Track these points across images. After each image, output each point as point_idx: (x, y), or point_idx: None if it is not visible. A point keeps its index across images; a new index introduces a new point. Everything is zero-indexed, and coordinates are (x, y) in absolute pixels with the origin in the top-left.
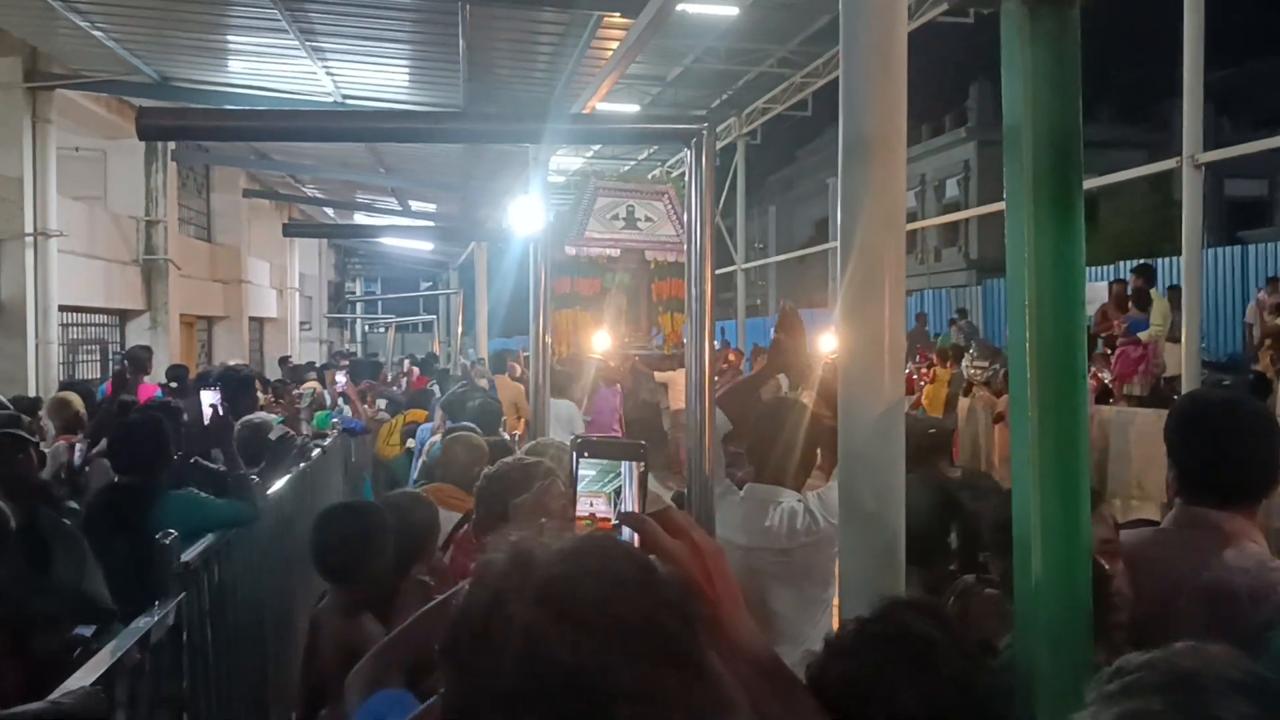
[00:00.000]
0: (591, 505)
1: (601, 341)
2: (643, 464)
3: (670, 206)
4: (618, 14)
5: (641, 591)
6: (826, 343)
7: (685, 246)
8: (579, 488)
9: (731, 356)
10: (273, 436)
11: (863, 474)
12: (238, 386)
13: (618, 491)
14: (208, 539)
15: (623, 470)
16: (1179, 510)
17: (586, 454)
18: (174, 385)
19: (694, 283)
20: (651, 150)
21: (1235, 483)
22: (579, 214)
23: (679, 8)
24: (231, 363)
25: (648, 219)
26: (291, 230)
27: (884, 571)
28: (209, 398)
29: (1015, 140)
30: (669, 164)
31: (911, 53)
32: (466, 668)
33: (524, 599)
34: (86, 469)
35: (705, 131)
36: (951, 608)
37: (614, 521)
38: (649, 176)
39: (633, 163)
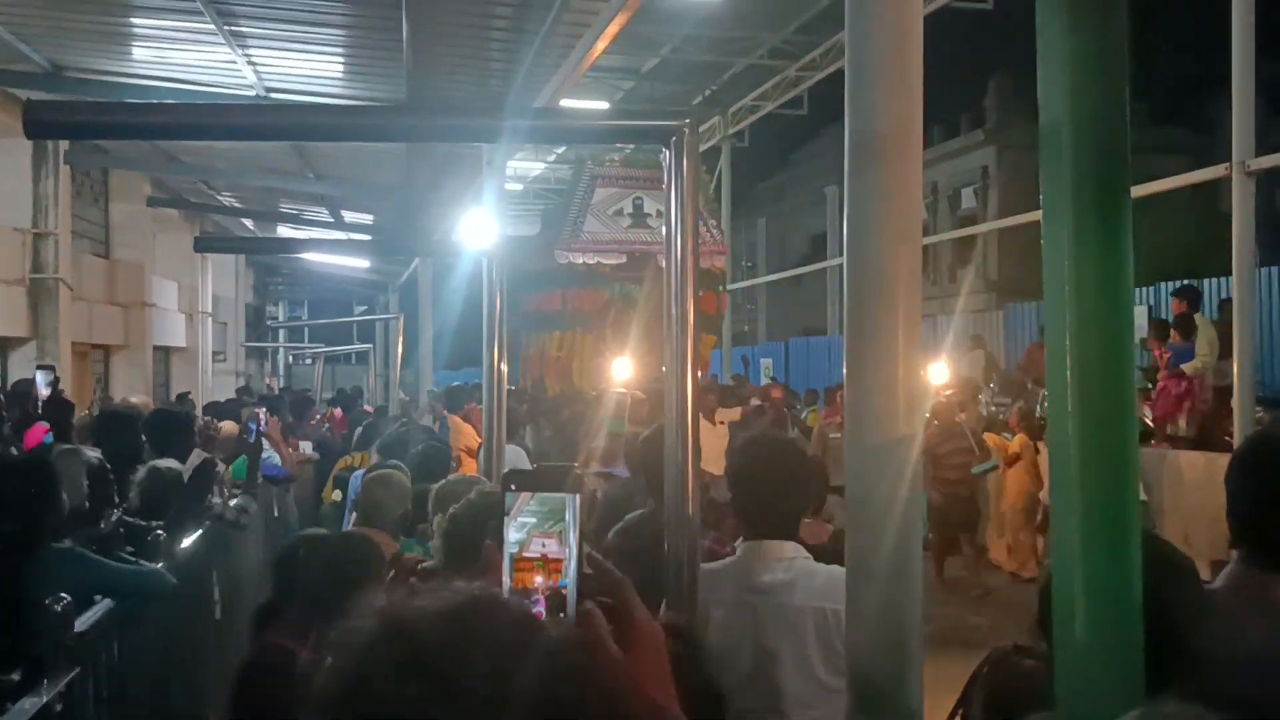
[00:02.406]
0: (544, 546)
1: (622, 370)
2: (578, 494)
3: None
4: None
5: (534, 660)
6: (936, 373)
7: (708, 245)
8: (524, 530)
9: (775, 393)
10: (187, 466)
11: (874, 522)
12: (173, 430)
13: (563, 530)
14: (105, 605)
15: (567, 505)
16: (1237, 569)
17: (514, 486)
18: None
19: (675, 302)
20: (627, 150)
21: None
22: (572, 210)
23: None
24: (133, 399)
25: (660, 214)
26: (204, 244)
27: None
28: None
29: (1054, 140)
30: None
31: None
32: None
33: (397, 674)
34: None
35: (686, 129)
36: (984, 681)
37: (568, 563)
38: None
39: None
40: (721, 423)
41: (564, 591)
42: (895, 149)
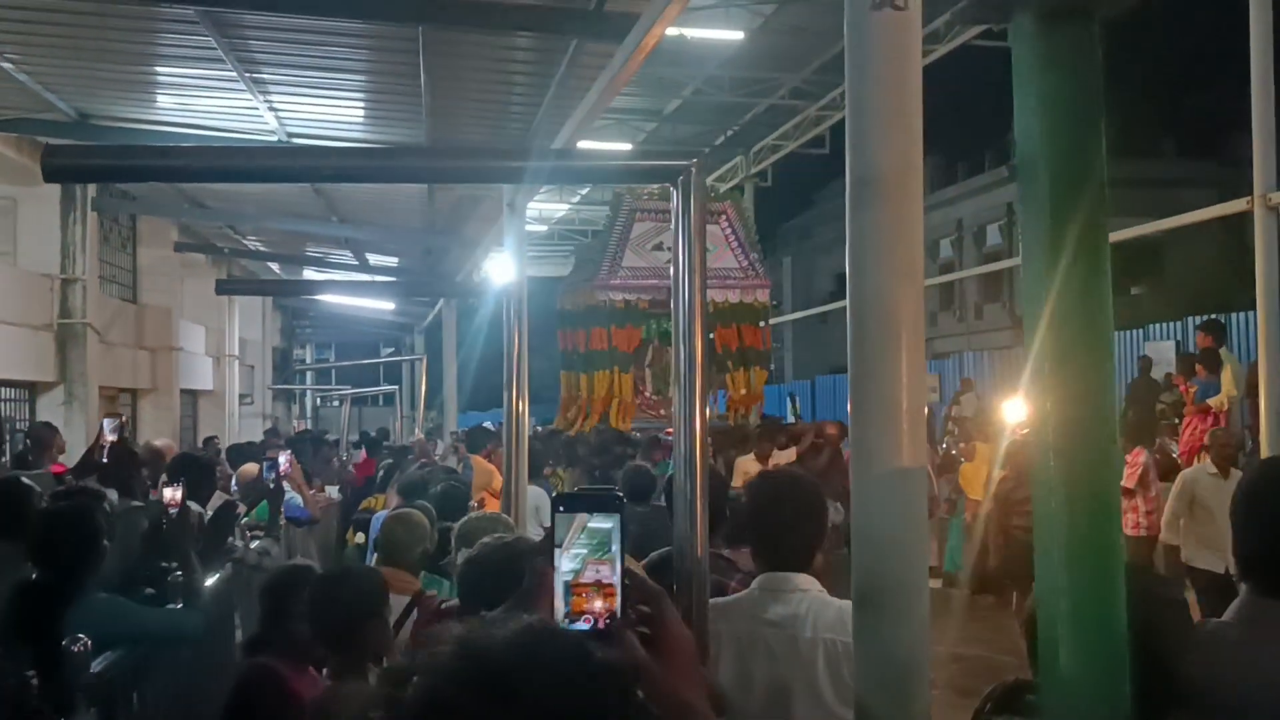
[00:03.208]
0: (598, 572)
1: None
2: (620, 515)
3: (730, 229)
4: (593, 40)
5: (589, 681)
6: (1014, 411)
7: (750, 280)
8: (578, 559)
9: (831, 429)
10: (210, 509)
11: (879, 556)
12: (199, 474)
13: (611, 554)
14: (127, 647)
15: (613, 532)
16: (1246, 600)
17: (563, 508)
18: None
19: (683, 341)
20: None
21: None
22: (611, 244)
23: (676, 32)
24: (157, 442)
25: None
26: (227, 288)
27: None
28: (170, 494)
29: (1031, 176)
30: (716, 178)
31: (945, 81)
32: None
33: (473, 693)
34: None
35: (693, 168)
36: (987, 716)
37: (618, 586)
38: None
39: None
40: (777, 465)
41: (616, 614)
42: (896, 187)
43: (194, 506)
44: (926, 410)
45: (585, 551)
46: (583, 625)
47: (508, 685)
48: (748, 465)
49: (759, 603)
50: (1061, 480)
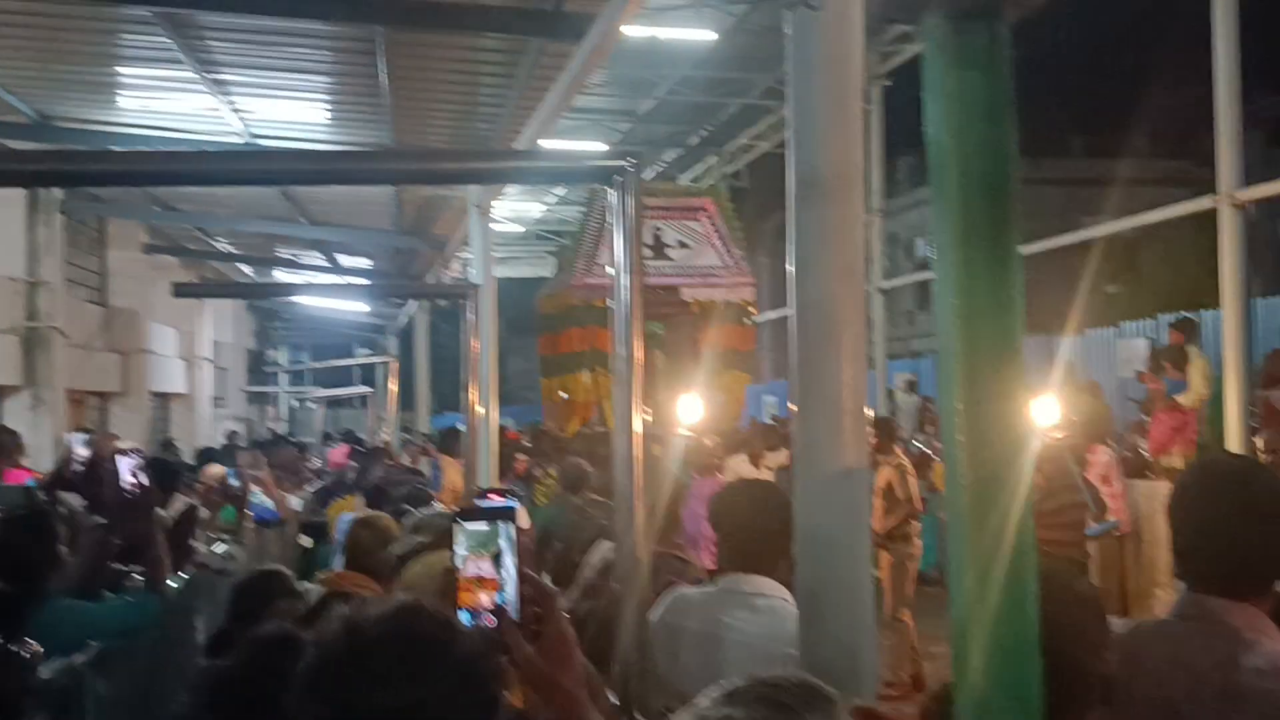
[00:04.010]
0: (479, 568)
1: (692, 411)
2: (513, 525)
3: (712, 225)
4: (553, 40)
5: (450, 654)
6: (1044, 413)
7: (734, 277)
8: (460, 558)
9: None
10: (172, 513)
11: (822, 556)
12: (163, 479)
13: (497, 555)
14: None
15: (500, 533)
16: (1183, 598)
17: (462, 519)
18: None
19: (621, 343)
20: (647, 178)
21: (1239, 570)
22: (587, 243)
23: (649, 33)
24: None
25: (682, 244)
26: (187, 290)
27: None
28: (128, 464)
29: (941, 176)
30: (692, 178)
31: (918, 82)
32: (304, 708)
33: (347, 659)
34: None
35: (629, 169)
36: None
37: (505, 582)
38: (679, 187)
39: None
40: (768, 468)
41: (505, 606)
42: (837, 188)
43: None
44: (874, 409)
45: (464, 550)
46: (467, 616)
47: (379, 655)
48: (739, 466)
49: (718, 602)
50: (971, 479)
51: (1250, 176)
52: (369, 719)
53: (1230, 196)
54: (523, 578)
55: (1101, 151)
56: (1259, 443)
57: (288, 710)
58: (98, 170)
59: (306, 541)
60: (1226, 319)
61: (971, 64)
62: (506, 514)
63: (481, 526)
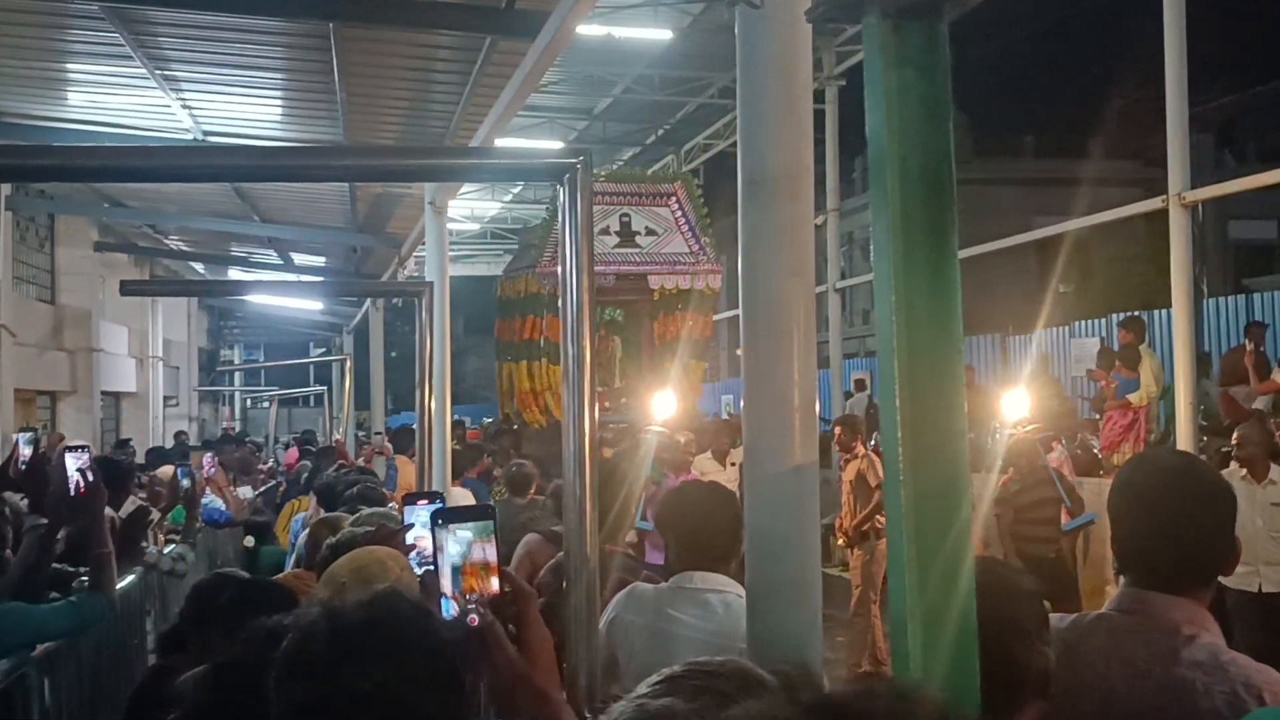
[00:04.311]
0: (461, 566)
1: (665, 407)
2: (493, 524)
3: (680, 211)
4: (506, 37)
5: (424, 641)
6: (1012, 405)
7: (702, 265)
8: (455, 559)
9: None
10: (123, 514)
11: (771, 552)
12: (114, 479)
13: (478, 555)
14: (21, 654)
15: (481, 531)
16: (1123, 593)
17: (441, 522)
18: None
19: (571, 340)
20: (615, 165)
21: (1180, 565)
22: (554, 228)
23: (605, 31)
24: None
25: (649, 231)
26: (133, 289)
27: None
28: (76, 461)
29: (880, 172)
30: (680, 155)
31: (849, 92)
32: (283, 690)
33: (326, 644)
34: None
35: (580, 166)
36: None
37: (479, 581)
38: (647, 174)
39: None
40: (734, 464)
41: (484, 606)
42: (787, 186)
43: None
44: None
45: (454, 552)
46: (447, 609)
47: (356, 638)
48: (704, 464)
49: (670, 599)
50: (910, 474)
51: (1201, 179)
52: (345, 700)
53: (1180, 197)
54: (502, 577)
55: (1053, 152)
56: (1234, 438)
57: (268, 694)
58: (43, 165)
59: (248, 541)
60: (1177, 317)
61: (910, 63)
62: (487, 513)
63: (465, 527)
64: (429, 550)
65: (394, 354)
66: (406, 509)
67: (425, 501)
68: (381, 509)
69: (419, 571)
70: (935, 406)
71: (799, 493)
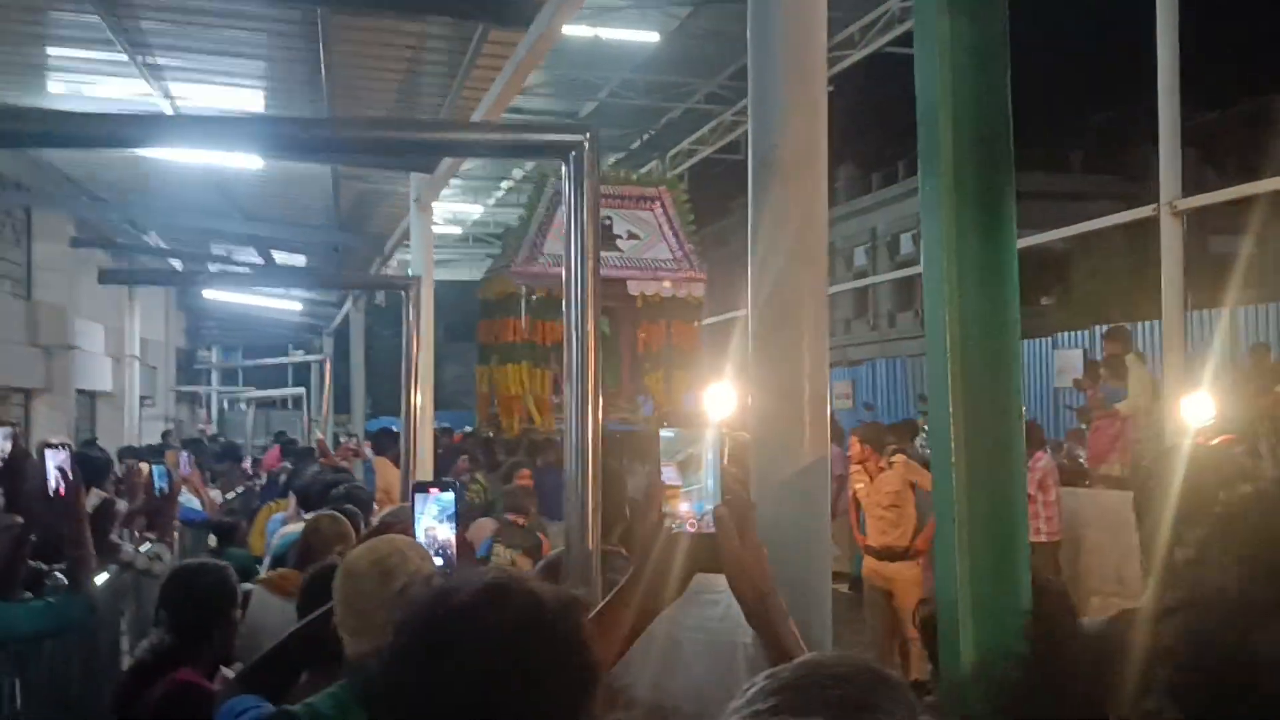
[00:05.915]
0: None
1: (722, 402)
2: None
3: (665, 216)
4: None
5: (537, 624)
6: (1195, 411)
7: (684, 272)
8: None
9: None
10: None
11: (781, 545)
12: (92, 474)
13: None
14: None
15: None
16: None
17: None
18: None
19: (575, 333)
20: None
21: None
22: (532, 229)
23: (592, 33)
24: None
25: (632, 235)
26: (112, 277)
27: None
28: (55, 459)
29: (931, 129)
30: (665, 160)
31: (859, 90)
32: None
33: (438, 624)
34: None
35: (586, 143)
36: None
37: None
38: (633, 176)
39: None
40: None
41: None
42: (799, 168)
43: None
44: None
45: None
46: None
47: (467, 623)
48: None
49: (679, 602)
50: (965, 471)
51: (1184, 192)
52: (459, 684)
53: (1172, 205)
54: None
55: (1032, 165)
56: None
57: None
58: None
59: (211, 541)
60: (1167, 325)
61: (963, 10)
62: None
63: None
64: (440, 539)
65: (373, 358)
66: (417, 497)
67: (437, 490)
68: (393, 506)
69: (439, 562)
70: (988, 379)
71: (809, 485)
